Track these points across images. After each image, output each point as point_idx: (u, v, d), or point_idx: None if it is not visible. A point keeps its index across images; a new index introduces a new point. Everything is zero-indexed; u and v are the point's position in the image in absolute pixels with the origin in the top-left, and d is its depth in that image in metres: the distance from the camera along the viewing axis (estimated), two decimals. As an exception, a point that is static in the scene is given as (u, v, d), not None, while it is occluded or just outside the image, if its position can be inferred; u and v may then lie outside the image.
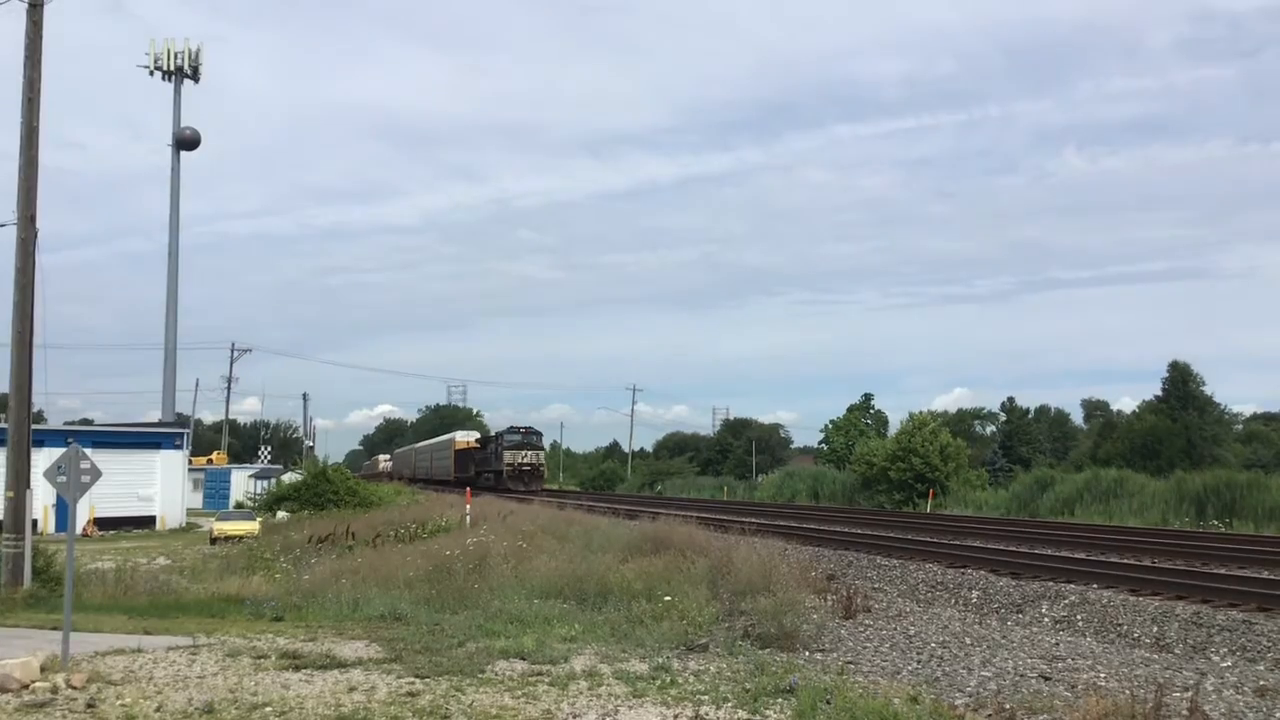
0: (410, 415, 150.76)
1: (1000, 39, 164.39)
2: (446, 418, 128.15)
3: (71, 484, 9.50)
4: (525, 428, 61.80)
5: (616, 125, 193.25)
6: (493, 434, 65.84)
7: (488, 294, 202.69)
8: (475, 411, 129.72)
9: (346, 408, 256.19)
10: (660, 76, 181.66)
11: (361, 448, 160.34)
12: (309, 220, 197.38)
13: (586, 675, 8.39)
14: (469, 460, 68.95)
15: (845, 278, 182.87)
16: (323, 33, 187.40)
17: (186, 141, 48.24)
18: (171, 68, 48.58)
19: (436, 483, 72.29)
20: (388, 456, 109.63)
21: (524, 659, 9.07)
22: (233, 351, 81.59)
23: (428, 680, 8.16)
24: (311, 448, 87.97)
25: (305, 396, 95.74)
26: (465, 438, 75.63)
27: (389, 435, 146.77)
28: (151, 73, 48.57)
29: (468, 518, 23.58)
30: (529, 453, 60.15)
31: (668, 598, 11.47)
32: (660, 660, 9.01)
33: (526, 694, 7.70)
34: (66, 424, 46.71)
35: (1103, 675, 8.81)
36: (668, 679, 8.25)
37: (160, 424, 44.32)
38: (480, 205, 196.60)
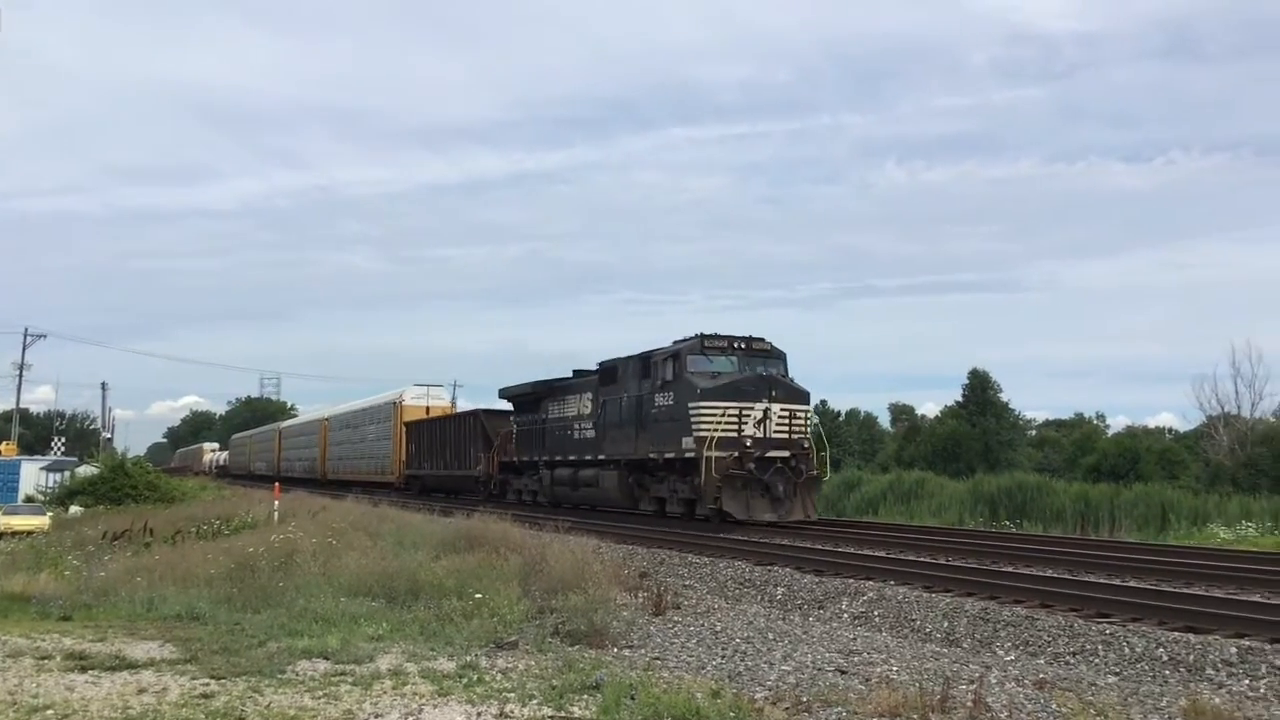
0: (219, 407, 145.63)
1: (834, 52, 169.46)
2: (258, 410, 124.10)
3: None
4: (745, 339, 22.91)
5: (450, 117, 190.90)
6: (641, 354, 24.49)
7: (308, 284, 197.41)
8: (290, 405, 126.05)
9: (149, 398, 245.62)
10: (496, 68, 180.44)
11: (165, 440, 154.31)
12: (116, 201, 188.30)
13: (392, 674, 8.27)
14: (463, 442, 35.71)
15: (674, 278, 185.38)
16: (139, 4, 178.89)
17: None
18: (-38, 32, 45.47)
19: (341, 485, 44.36)
20: (216, 445, 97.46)
21: (327, 659, 8.87)
22: (25, 337, 76.99)
23: (224, 681, 7.90)
24: (110, 440, 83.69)
25: (104, 386, 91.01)
26: (421, 400, 43.68)
27: (195, 428, 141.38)
28: (-59, 36, 45.47)
29: (275, 514, 22.91)
30: (786, 408, 21.68)
31: (479, 595, 11.40)
32: (468, 658, 8.96)
33: (328, 694, 7.54)
34: None
35: (895, 669, 9.17)
36: (475, 677, 8.21)
37: (-58, 412, 41.50)
38: (303, 192, 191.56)
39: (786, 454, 21.28)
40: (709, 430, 20.90)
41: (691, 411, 21.52)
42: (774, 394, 21.60)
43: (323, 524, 19.30)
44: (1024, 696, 8.09)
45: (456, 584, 12.21)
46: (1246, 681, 8.73)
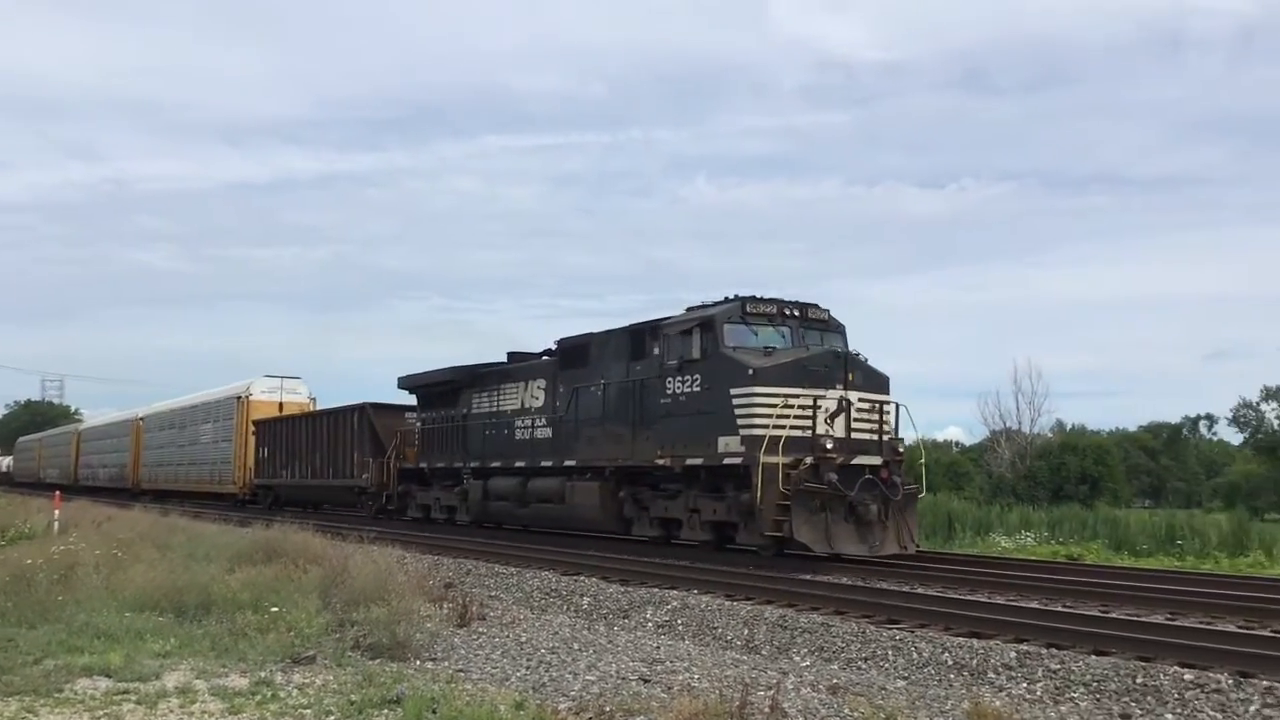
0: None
1: (649, 68, 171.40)
2: (40, 414, 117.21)
3: None
4: (798, 304, 17.53)
5: (256, 113, 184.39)
6: (632, 326, 18.95)
7: (99, 282, 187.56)
8: (74, 409, 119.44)
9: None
10: (308, 67, 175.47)
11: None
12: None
13: (179, 692, 7.92)
14: (341, 444, 30.23)
15: (487, 286, 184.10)
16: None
17: None
18: None
19: (161, 496, 40.26)
20: None
21: (109, 676, 8.42)
22: None
23: (-6, 702, 7.41)
24: None
25: None
26: (272, 394, 37.58)
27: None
28: None
29: (56, 524, 21.63)
30: (868, 398, 16.37)
31: (275, 609, 11.02)
32: (262, 674, 8.65)
33: (109, 713, 7.18)
34: None
35: (696, 676, 9.33)
36: (269, 693, 7.95)
37: None
38: (95, 185, 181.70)
39: (879, 461, 16.09)
40: (766, 426, 15.43)
41: (738, 400, 16.02)
42: (852, 378, 16.24)
43: (108, 535, 18.32)
44: (818, 702, 8.35)
45: (252, 597, 11.75)
46: (1025, 684, 9.22)
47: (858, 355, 16.89)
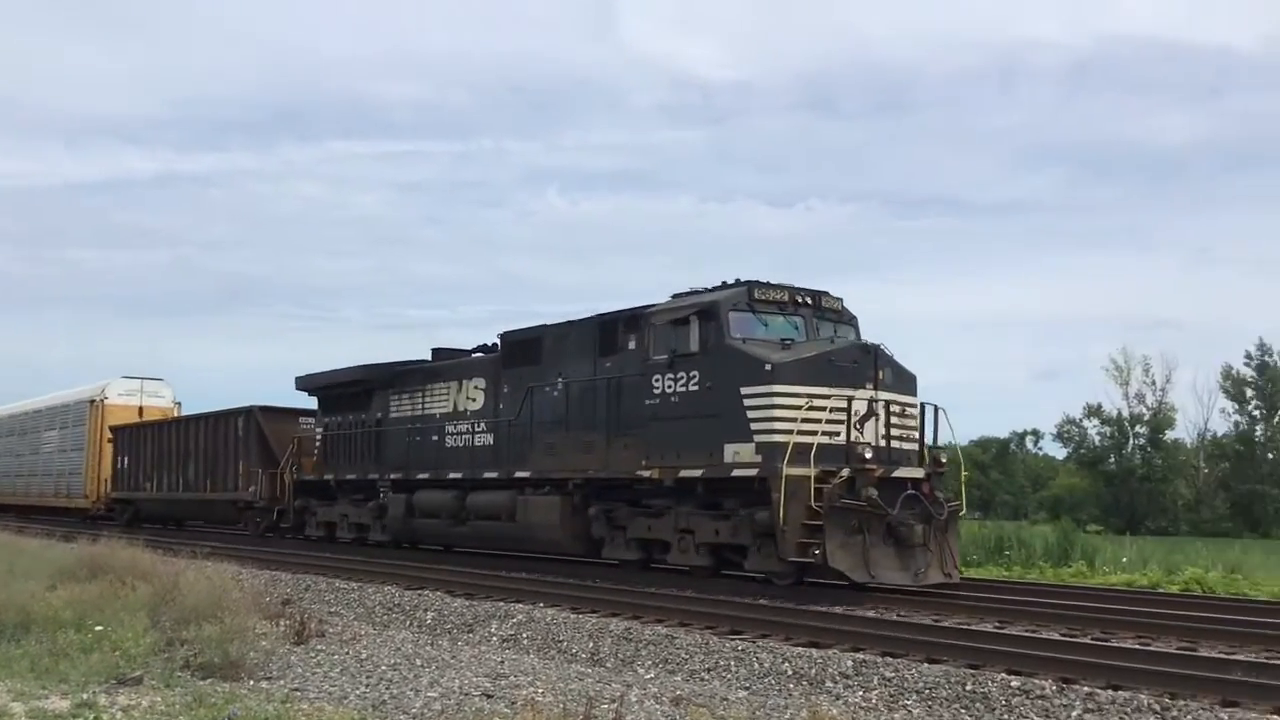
0: None
1: (501, 79, 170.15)
2: None
3: None
4: (811, 291, 15.17)
5: (92, 110, 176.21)
6: (601, 315, 16.64)
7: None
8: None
9: None
10: (150, 64, 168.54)
11: None
12: None
13: (-7, 717, 7.52)
14: (222, 452, 26.56)
15: (333, 294, 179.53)
16: None
17: None
18: None
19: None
20: None
21: (-85, 702, 7.94)
22: None
23: None
24: None
25: None
26: (131, 398, 34.10)
27: None
28: None
29: None
30: (898, 400, 14.35)
31: (99, 627, 10.55)
32: (85, 696, 8.25)
33: (-87, 742, 6.74)
34: None
35: (541, 690, 9.27)
36: (91, 716, 7.60)
37: None
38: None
39: (921, 474, 14.21)
40: (789, 432, 13.22)
41: (751, 401, 13.68)
42: (881, 376, 14.11)
43: (-83, 551, 17.29)
44: (661, 713, 8.40)
45: (75, 616, 11.23)
46: (861, 693, 9.46)
47: (884, 350, 14.64)
